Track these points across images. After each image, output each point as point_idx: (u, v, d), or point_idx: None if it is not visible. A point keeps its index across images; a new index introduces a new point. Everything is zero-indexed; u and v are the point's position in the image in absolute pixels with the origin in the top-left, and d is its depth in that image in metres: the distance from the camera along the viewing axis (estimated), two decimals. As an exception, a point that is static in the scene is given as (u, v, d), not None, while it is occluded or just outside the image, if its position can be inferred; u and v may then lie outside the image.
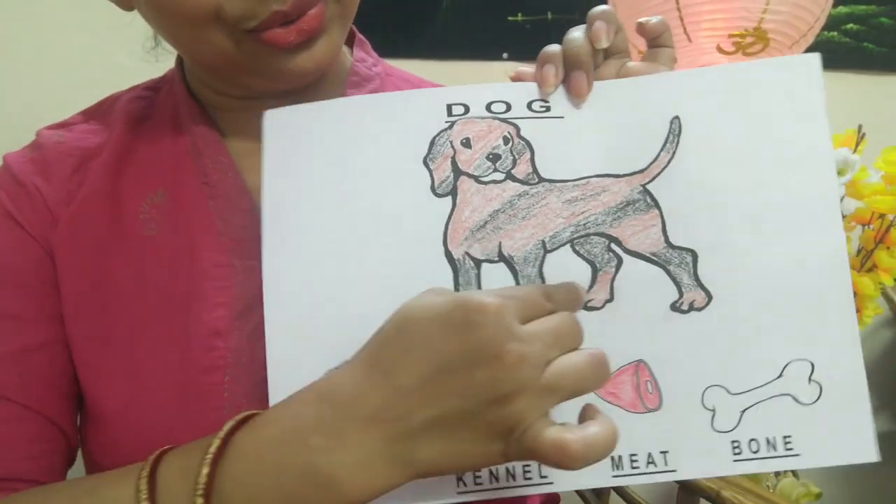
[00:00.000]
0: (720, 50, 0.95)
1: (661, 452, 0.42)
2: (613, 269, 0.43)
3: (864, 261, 1.02)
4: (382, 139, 0.44)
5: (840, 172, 0.97)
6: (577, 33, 0.45)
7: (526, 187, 0.44)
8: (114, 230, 0.49)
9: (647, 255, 0.43)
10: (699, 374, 0.42)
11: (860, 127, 1.00)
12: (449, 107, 0.45)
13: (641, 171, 0.44)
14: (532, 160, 0.44)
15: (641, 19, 0.47)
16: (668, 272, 0.43)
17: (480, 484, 0.41)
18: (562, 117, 0.45)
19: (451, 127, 0.44)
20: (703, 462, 0.42)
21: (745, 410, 0.42)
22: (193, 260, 0.48)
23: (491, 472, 0.41)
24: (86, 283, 0.48)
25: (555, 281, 0.42)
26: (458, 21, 1.23)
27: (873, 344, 1.35)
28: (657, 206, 0.44)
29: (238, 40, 0.44)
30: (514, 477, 0.41)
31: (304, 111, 0.45)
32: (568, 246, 0.43)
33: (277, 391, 0.41)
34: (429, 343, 0.34)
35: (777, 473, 1.11)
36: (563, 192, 0.44)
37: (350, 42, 0.59)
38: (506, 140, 0.44)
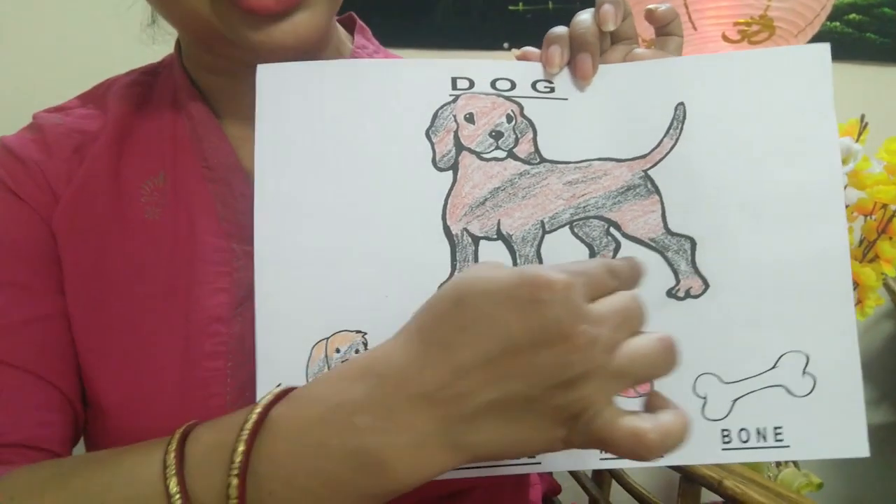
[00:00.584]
0: (725, 38, 0.94)
1: None
2: (611, 253, 0.43)
3: (865, 251, 1.02)
4: (383, 107, 0.43)
5: (842, 162, 0.96)
6: (584, 16, 0.45)
7: (527, 167, 0.43)
8: (115, 210, 0.49)
9: (646, 240, 0.43)
10: (692, 362, 0.42)
11: (863, 117, 1.00)
12: (454, 80, 0.44)
13: (644, 156, 0.44)
14: (534, 140, 0.44)
15: (650, 6, 0.47)
16: (666, 258, 0.43)
17: None
18: (566, 99, 0.44)
19: (455, 101, 0.44)
20: (691, 449, 0.41)
21: (736, 399, 0.42)
22: (194, 244, 0.47)
23: None
24: (87, 265, 0.47)
25: (552, 261, 0.42)
26: (459, 10, 1.22)
27: (875, 335, 1.35)
28: (658, 191, 0.43)
29: (214, 3, 0.43)
30: None
31: (302, 69, 0.44)
32: (567, 227, 0.43)
33: (266, 358, 0.41)
34: (492, 320, 0.31)
35: (778, 464, 1.11)
36: (565, 173, 0.43)
37: (351, 29, 0.59)
38: (509, 118, 0.44)
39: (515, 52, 0.47)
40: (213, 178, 0.49)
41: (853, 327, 0.42)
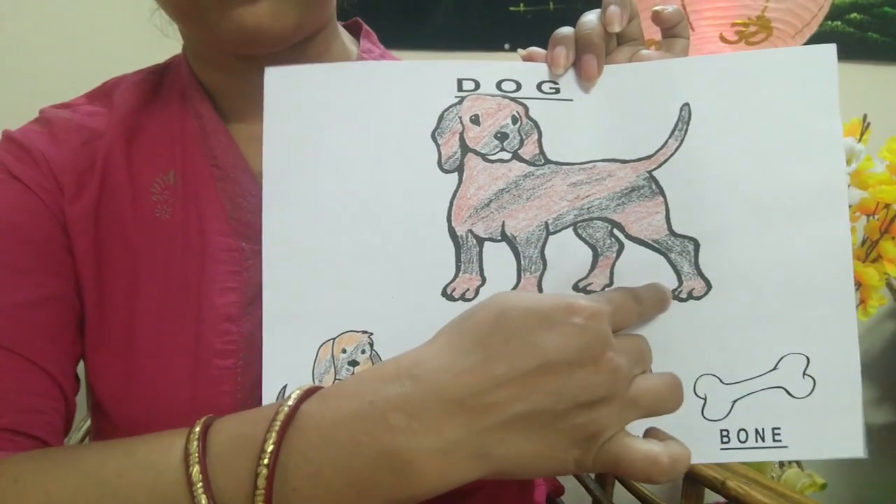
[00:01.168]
0: (723, 39, 0.94)
1: None
2: (614, 255, 0.43)
3: (868, 251, 1.02)
4: (390, 108, 0.44)
5: (845, 162, 0.96)
6: (591, 16, 0.45)
7: (532, 168, 0.43)
8: (131, 208, 0.49)
9: (649, 241, 0.43)
10: (693, 363, 0.42)
11: (865, 116, 1.00)
12: (460, 81, 0.44)
13: (648, 157, 0.44)
14: (539, 141, 0.44)
15: (657, 7, 0.47)
16: (669, 260, 0.43)
17: None
18: (571, 100, 0.44)
19: (460, 102, 0.44)
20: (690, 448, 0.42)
21: (736, 401, 0.42)
22: (204, 243, 0.48)
23: None
24: (103, 262, 0.48)
25: (556, 262, 0.42)
26: (460, 11, 1.22)
27: (877, 334, 1.35)
28: (662, 193, 0.43)
29: None
30: None
31: (309, 72, 0.44)
32: (570, 229, 0.43)
33: (272, 358, 0.41)
34: (530, 336, 0.33)
35: (782, 464, 1.11)
36: (569, 174, 0.44)
37: (357, 34, 0.59)
38: (514, 119, 0.44)
39: (521, 52, 0.47)
40: (221, 177, 0.50)
41: (854, 329, 0.42)
